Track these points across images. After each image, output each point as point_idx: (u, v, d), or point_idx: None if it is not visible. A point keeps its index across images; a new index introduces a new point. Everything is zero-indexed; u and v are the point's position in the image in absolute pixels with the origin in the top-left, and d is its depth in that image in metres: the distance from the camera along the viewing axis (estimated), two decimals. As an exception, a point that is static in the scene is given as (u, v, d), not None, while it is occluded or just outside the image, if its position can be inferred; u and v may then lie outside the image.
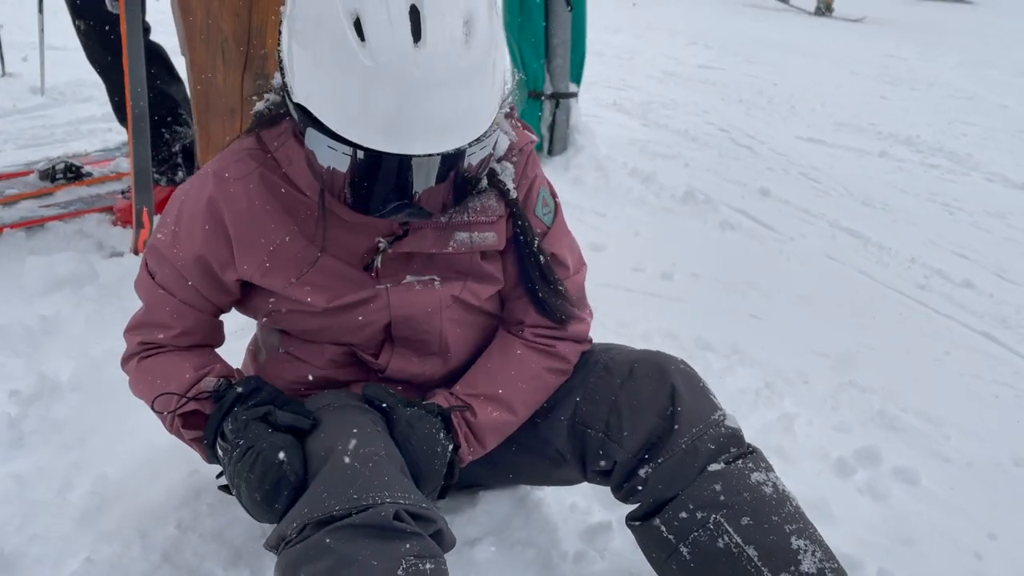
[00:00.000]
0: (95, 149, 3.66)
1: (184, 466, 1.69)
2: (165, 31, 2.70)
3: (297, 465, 1.19)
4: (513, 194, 1.35)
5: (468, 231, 1.33)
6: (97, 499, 1.60)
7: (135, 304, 2.48)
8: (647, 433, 1.33)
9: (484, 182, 1.32)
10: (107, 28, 2.76)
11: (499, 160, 1.35)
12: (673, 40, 8.41)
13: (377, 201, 1.17)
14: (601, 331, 1.90)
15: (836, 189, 4.11)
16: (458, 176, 1.19)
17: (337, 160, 1.14)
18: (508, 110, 1.32)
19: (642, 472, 1.33)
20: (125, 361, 1.48)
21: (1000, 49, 9.34)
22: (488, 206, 1.34)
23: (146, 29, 2.86)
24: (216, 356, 1.45)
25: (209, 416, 1.32)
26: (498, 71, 1.17)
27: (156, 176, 2.92)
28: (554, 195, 1.47)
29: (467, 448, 1.37)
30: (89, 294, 2.36)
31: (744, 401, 2.13)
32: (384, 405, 1.32)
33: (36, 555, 1.47)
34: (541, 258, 1.39)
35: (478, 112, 1.14)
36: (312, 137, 1.14)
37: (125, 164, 3.32)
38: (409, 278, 1.35)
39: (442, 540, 1.20)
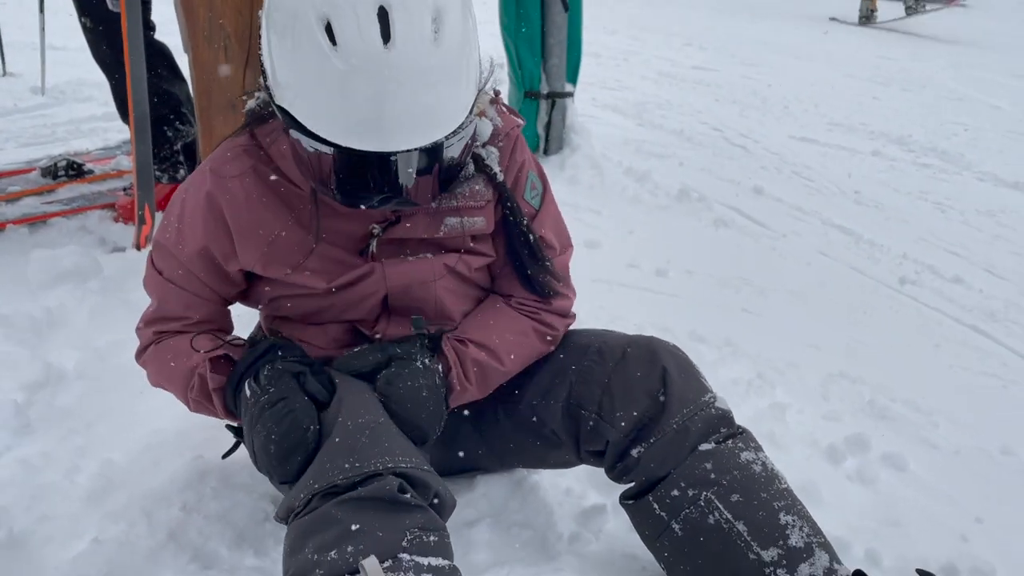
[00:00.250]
0: (96, 147, 3.69)
1: (188, 452, 1.73)
2: (171, 31, 2.73)
3: (317, 437, 1.23)
4: (500, 177, 1.39)
5: (458, 216, 1.39)
6: (103, 482, 1.63)
7: (138, 298, 2.51)
8: (639, 414, 1.38)
9: (471, 167, 1.37)
10: (111, 26, 2.80)
11: (484, 145, 1.39)
12: (669, 42, 8.46)
13: (363, 195, 1.22)
14: (594, 324, 1.95)
15: (829, 188, 4.15)
16: (442, 165, 1.23)
17: (322, 158, 1.19)
18: (493, 95, 1.38)
19: (634, 452, 1.37)
20: (140, 353, 1.52)
21: (992, 51, 9.41)
22: (476, 191, 1.39)
23: (151, 27, 2.90)
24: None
25: (240, 360, 1.36)
26: (471, 63, 1.20)
27: (157, 174, 2.95)
28: (541, 176, 1.52)
29: (457, 378, 1.40)
30: (93, 287, 2.40)
31: (736, 391, 2.17)
32: (360, 374, 1.35)
33: (44, 534, 1.50)
34: (531, 237, 1.44)
35: (453, 106, 1.18)
36: (296, 136, 1.19)
37: (126, 162, 3.36)
38: (402, 257, 1.40)
39: (443, 504, 1.24)
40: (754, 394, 2.18)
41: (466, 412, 1.51)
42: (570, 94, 4.07)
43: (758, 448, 1.37)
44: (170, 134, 3.07)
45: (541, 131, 4.06)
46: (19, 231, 2.80)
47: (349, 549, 1.09)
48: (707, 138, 4.90)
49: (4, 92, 4.67)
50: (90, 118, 4.29)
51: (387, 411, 1.30)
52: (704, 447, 1.34)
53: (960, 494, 1.87)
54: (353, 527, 1.11)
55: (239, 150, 1.36)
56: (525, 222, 1.43)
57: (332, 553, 1.09)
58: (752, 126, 5.27)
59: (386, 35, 1.10)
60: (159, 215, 2.84)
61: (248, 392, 1.31)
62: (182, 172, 3.12)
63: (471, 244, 1.44)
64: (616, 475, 1.42)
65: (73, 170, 3.19)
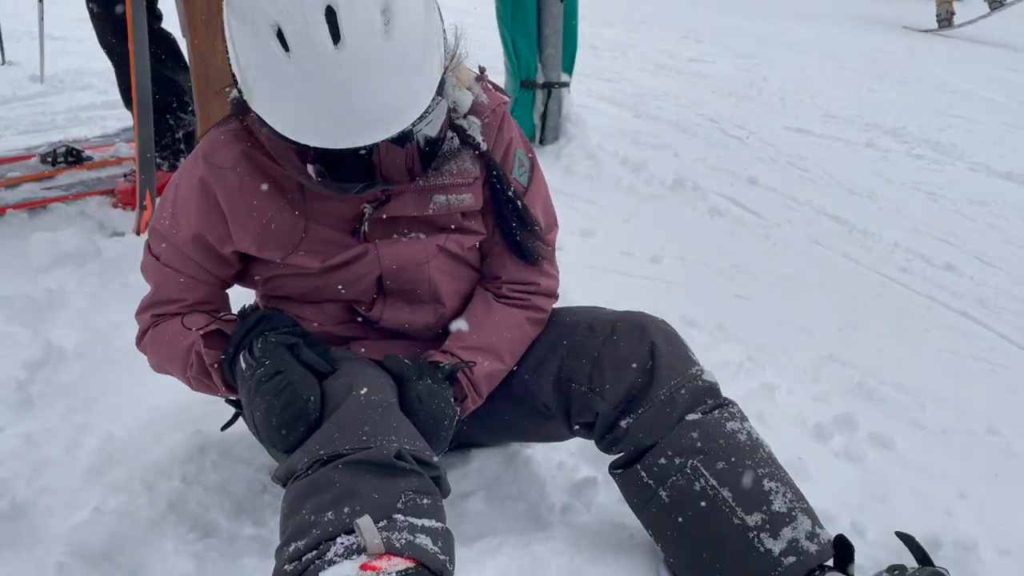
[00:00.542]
0: (95, 135, 3.72)
1: (188, 426, 1.76)
2: (171, 17, 2.76)
3: (318, 406, 1.26)
4: (484, 147, 1.42)
5: (445, 194, 1.41)
6: (104, 456, 1.66)
7: (137, 281, 2.53)
8: (628, 386, 1.41)
9: (456, 142, 1.40)
10: (116, 13, 2.82)
11: (465, 116, 1.41)
12: (666, 34, 8.47)
13: (343, 184, 1.26)
14: (587, 305, 1.98)
15: (823, 178, 4.18)
16: (412, 143, 1.26)
17: (298, 149, 1.22)
18: (479, 72, 1.40)
19: (623, 423, 1.41)
20: (140, 338, 1.55)
21: (989, 45, 9.43)
22: (464, 169, 1.42)
23: (158, 16, 2.93)
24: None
25: (232, 334, 1.38)
26: (432, 45, 1.21)
27: (159, 161, 2.98)
28: (529, 152, 1.54)
29: (471, 400, 1.45)
30: (92, 269, 2.43)
31: (726, 372, 2.19)
32: (400, 375, 1.38)
33: (46, 505, 1.53)
34: (519, 203, 1.46)
35: (414, 94, 1.20)
36: (270, 133, 1.22)
37: (125, 149, 3.39)
38: (395, 236, 1.43)
39: (440, 485, 1.27)
40: (744, 375, 2.22)
41: None
42: (566, 84, 4.10)
43: (743, 418, 1.41)
44: (172, 122, 3.10)
45: (537, 121, 4.09)
46: (19, 215, 2.83)
47: (345, 510, 1.12)
48: (703, 129, 4.93)
49: (3, 81, 4.69)
50: (89, 106, 4.32)
51: (411, 415, 1.32)
52: (691, 417, 1.38)
53: (945, 471, 1.91)
54: (350, 489, 1.14)
55: (230, 135, 1.40)
56: (512, 190, 1.46)
57: (329, 514, 1.13)
58: (747, 117, 5.30)
59: (335, 35, 1.11)
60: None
61: (244, 365, 1.33)
62: (183, 160, 3.15)
63: (461, 222, 1.46)
64: (605, 446, 1.46)
65: (72, 157, 3.22)
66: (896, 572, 1.21)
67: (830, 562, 1.30)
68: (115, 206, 2.97)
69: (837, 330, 2.58)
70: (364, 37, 1.12)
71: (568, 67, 4.13)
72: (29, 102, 4.38)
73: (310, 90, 1.13)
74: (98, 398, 1.90)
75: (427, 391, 1.36)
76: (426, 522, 1.15)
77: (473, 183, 1.44)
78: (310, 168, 1.27)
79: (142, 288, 1.58)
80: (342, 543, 1.09)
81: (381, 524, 1.11)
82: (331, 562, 1.08)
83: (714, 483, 1.31)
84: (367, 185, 1.27)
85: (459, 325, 1.50)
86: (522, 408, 1.53)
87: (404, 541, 1.10)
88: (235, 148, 1.38)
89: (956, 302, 2.88)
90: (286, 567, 1.12)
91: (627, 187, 3.78)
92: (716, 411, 1.39)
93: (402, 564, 1.07)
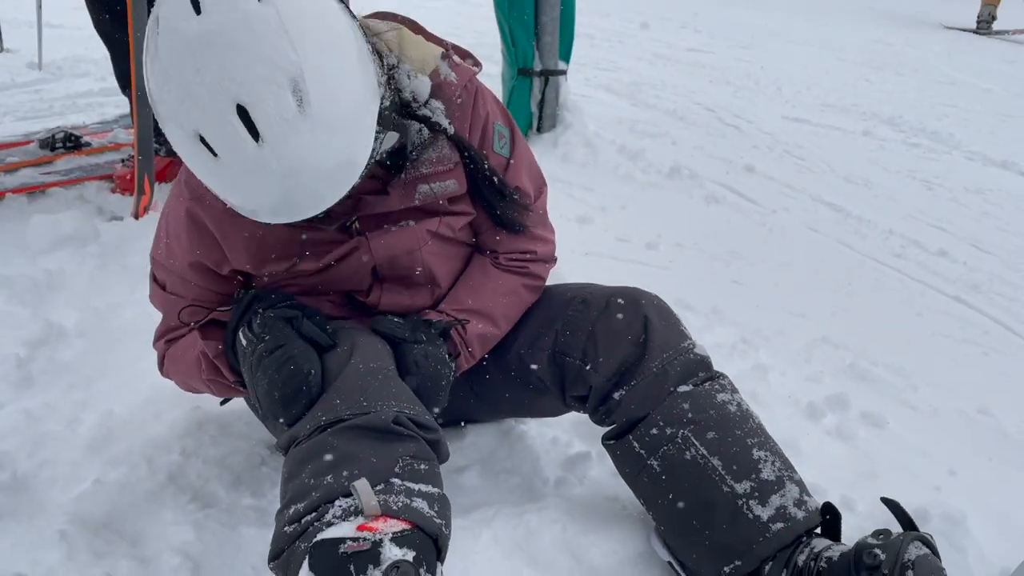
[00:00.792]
0: (93, 122, 3.73)
1: (187, 404, 1.78)
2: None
3: (320, 379, 1.27)
4: (451, 130, 1.41)
5: (428, 183, 1.42)
6: (104, 431, 1.68)
7: (136, 263, 2.55)
8: (621, 359, 1.43)
9: (424, 132, 1.39)
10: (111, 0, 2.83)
11: (425, 104, 1.38)
12: (664, 24, 8.49)
13: (316, 225, 1.32)
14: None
15: (819, 166, 4.20)
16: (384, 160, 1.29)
17: None
18: (444, 51, 1.40)
19: (616, 395, 1.43)
20: (160, 366, 1.56)
21: (987, 37, 9.44)
22: (443, 155, 1.42)
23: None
24: None
25: (230, 319, 1.39)
26: (357, 91, 1.16)
27: (156, 146, 2.98)
28: (508, 122, 1.53)
29: (464, 358, 1.47)
30: (92, 251, 2.45)
31: (720, 353, 2.21)
32: (392, 337, 1.39)
33: (47, 478, 1.55)
34: (496, 179, 1.47)
35: (353, 149, 1.18)
36: None
37: (123, 135, 3.40)
38: (386, 227, 1.44)
39: (438, 449, 1.28)
40: (738, 356, 2.24)
41: None
42: (563, 72, 4.11)
43: (734, 390, 1.43)
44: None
45: (534, 109, 4.11)
46: (18, 199, 2.85)
47: (344, 473, 1.14)
48: (700, 118, 4.94)
49: (2, 68, 4.70)
50: (87, 93, 4.33)
51: (409, 379, 1.34)
52: (682, 389, 1.40)
53: (935, 449, 1.93)
54: (348, 454, 1.16)
55: None
56: (488, 167, 1.46)
57: (328, 477, 1.14)
58: (745, 106, 5.32)
59: (254, 132, 1.10)
60: (158, 186, 2.88)
61: (244, 341, 1.33)
62: (172, 185, 3.15)
63: (449, 206, 1.47)
64: (599, 418, 1.48)
65: (71, 142, 3.22)
66: (881, 536, 1.22)
67: (818, 529, 1.33)
68: (113, 191, 2.98)
69: (831, 314, 2.60)
70: (281, 126, 1.09)
71: (565, 55, 4.14)
72: (27, 89, 4.39)
73: (249, 186, 1.14)
74: (98, 376, 1.92)
75: (423, 354, 1.37)
76: (423, 487, 1.17)
77: (455, 168, 1.44)
78: None
79: (141, 270, 1.60)
80: (340, 505, 1.11)
81: (379, 487, 1.13)
82: (329, 523, 1.09)
83: (704, 452, 1.33)
84: (343, 224, 1.32)
85: (456, 290, 1.52)
86: (517, 383, 1.55)
87: (401, 504, 1.12)
88: None
89: (949, 287, 2.90)
90: (286, 528, 1.14)
91: (624, 175, 3.80)
92: (707, 383, 1.41)
93: (398, 526, 1.09)
